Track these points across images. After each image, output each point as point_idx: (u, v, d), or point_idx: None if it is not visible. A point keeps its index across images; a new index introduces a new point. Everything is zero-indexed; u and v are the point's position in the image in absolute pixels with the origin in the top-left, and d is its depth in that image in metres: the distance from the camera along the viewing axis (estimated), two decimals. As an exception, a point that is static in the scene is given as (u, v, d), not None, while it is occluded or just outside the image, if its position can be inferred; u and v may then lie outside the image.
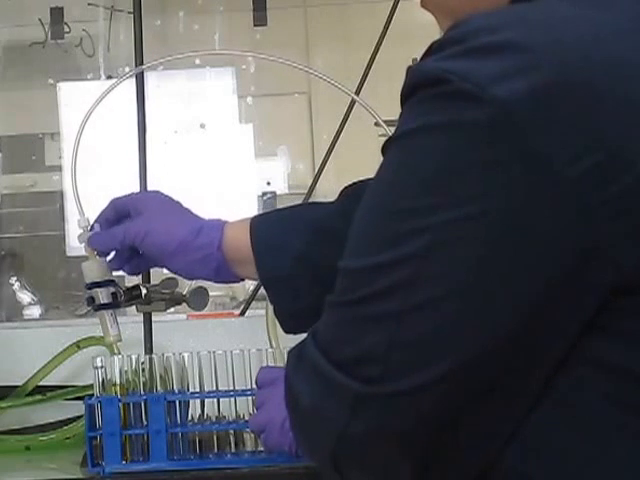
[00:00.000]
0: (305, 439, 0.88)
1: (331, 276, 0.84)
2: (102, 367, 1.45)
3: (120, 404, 1.44)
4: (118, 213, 1.34)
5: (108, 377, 1.46)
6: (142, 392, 1.46)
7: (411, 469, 0.81)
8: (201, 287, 1.51)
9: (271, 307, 1.32)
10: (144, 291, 1.44)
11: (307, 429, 0.86)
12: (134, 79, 1.69)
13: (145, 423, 1.45)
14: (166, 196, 1.35)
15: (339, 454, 0.82)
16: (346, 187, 1.29)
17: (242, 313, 1.98)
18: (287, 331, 1.30)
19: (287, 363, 0.90)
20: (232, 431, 1.47)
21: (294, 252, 1.25)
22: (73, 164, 1.41)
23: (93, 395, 1.47)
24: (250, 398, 1.45)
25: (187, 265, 1.29)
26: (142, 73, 1.68)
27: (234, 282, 1.34)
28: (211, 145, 2.88)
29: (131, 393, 1.46)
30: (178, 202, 1.34)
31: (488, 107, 0.74)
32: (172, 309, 1.54)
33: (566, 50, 0.76)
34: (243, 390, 1.46)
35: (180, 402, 1.46)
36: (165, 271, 1.42)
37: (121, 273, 1.45)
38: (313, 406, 0.83)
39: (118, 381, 1.46)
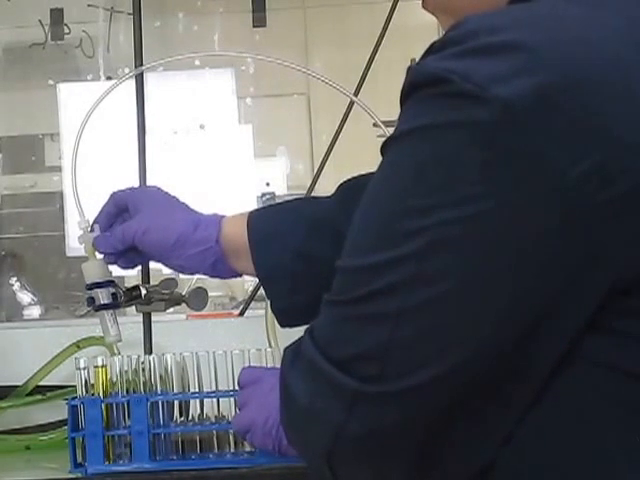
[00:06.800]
0: (300, 436, 0.88)
1: (329, 270, 0.84)
2: (85, 368, 1.45)
3: (103, 405, 1.44)
4: (118, 207, 1.36)
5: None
6: (126, 393, 1.45)
7: (408, 468, 0.81)
8: (200, 287, 1.51)
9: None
10: (144, 291, 1.44)
11: (303, 426, 0.86)
12: (134, 80, 1.70)
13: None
14: (163, 192, 1.36)
15: (335, 452, 0.82)
16: (344, 182, 1.29)
17: (242, 313, 1.98)
18: (284, 325, 1.30)
19: (283, 361, 0.90)
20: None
21: (292, 246, 1.25)
22: (73, 165, 1.41)
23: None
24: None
25: (186, 260, 1.30)
26: (142, 74, 1.68)
27: (230, 277, 1.34)
28: (211, 146, 2.87)
29: (114, 394, 1.45)
30: (175, 197, 1.35)
31: (489, 107, 0.74)
32: (172, 309, 1.54)
33: (567, 50, 0.76)
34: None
35: (163, 403, 1.45)
36: (165, 271, 1.43)
37: (121, 273, 1.45)
38: (310, 404, 0.83)
39: (100, 382, 1.45)
